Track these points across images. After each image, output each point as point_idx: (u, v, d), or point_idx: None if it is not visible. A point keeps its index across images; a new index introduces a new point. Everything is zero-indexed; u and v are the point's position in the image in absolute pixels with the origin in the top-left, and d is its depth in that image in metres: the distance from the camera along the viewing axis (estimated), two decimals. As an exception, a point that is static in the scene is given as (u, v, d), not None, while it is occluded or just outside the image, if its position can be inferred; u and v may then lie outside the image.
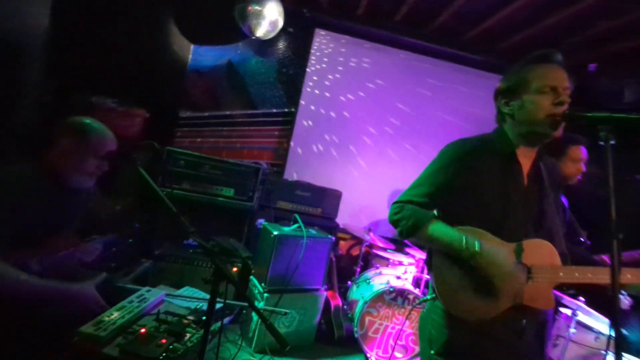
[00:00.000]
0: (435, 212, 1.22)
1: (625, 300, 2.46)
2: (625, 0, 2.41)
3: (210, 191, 2.84)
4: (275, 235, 2.25)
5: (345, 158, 3.86)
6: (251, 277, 2.45)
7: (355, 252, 3.83)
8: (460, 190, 1.14)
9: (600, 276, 1.06)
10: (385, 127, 3.88)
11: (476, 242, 1.05)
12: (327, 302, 2.59)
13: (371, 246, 3.24)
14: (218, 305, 1.13)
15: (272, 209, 3.01)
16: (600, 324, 2.42)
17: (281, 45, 3.81)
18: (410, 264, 2.94)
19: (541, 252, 1.09)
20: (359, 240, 3.70)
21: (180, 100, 3.63)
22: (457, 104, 3.84)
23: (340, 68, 3.84)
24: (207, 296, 1.12)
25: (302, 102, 3.82)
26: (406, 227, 1.15)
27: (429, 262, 1.22)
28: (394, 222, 1.21)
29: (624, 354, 2.24)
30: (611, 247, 0.87)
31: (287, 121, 3.84)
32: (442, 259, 1.15)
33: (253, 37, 3.40)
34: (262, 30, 3.33)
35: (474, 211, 1.13)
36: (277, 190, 3.14)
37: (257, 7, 3.21)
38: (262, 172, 2.97)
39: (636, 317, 2.52)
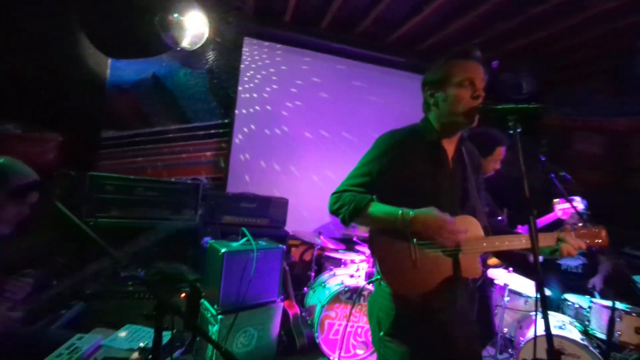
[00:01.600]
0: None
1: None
2: (517, 5, 2.78)
3: (147, 215, 2.63)
4: (223, 253, 2.15)
5: (287, 164, 3.86)
6: (202, 300, 2.31)
7: (308, 257, 3.85)
8: (393, 178, 1.21)
9: (515, 243, 1.20)
10: (322, 130, 3.97)
11: (410, 211, 1.12)
12: (285, 313, 2.55)
13: (323, 249, 3.28)
14: (166, 338, 1.05)
15: (218, 225, 2.88)
16: (527, 288, 2.74)
17: (210, 55, 3.69)
18: (362, 261, 3.03)
19: (468, 225, 1.19)
20: (310, 245, 3.72)
21: (101, 119, 3.31)
22: (385, 103, 4.08)
23: (273, 75, 3.84)
24: (152, 331, 1.03)
25: (237, 111, 3.74)
26: (348, 212, 1.20)
27: (371, 244, 1.27)
28: (335, 211, 1.25)
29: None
30: (527, 220, 0.99)
31: (224, 133, 3.73)
32: (382, 240, 1.20)
33: (178, 48, 3.24)
34: (187, 41, 3.19)
35: (408, 196, 1.20)
36: (221, 205, 3.02)
37: (178, 17, 3.07)
38: (202, 188, 2.84)
39: (552, 278, 2.90)
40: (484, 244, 1.20)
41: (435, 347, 1.17)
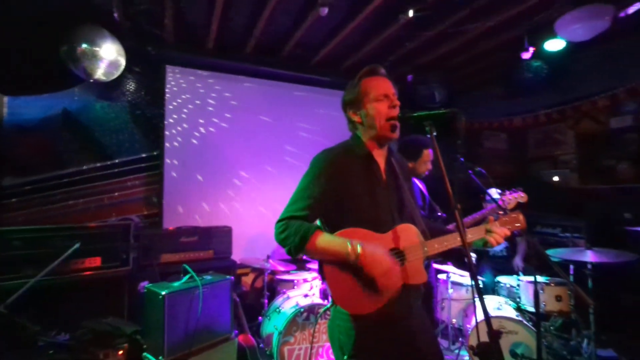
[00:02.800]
0: (318, 222, 1.29)
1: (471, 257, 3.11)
2: (418, 27, 3.12)
3: (69, 267, 2.31)
4: (164, 296, 1.97)
5: (227, 191, 3.74)
6: (144, 354, 2.08)
7: (259, 284, 3.71)
8: (334, 196, 1.24)
9: (451, 242, 1.30)
10: (260, 153, 3.93)
11: (358, 245, 1.14)
12: (240, 348, 2.41)
13: (274, 273, 3.19)
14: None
15: (155, 266, 2.65)
16: (467, 278, 2.98)
17: (130, 85, 3.47)
18: (314, 278, 3.02)
19: (408, 234, 1.26)
20: (260, 271, 3.60)
21: (-3, 166, 2.87)
22: (318, 122, 4.22)
23: (202, 102, 3.74)
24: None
25: (167, 143, 3.54)
26: (294, 245, 1.18)
27: (321, 271, 1.28)
28: (282, 241, 1.22)
29: (484, 297, 2.80)
30: (454, 216, 1.08)
31: (154, 166, 3.49)
32: (331, 266, 1.21)
33: (92, 80, 2.99)
34: (101, 72, 2.96)
35: (350, 212, 1.23)
36: (157, 243, 2.79)
37: (89, 47, 2.85)
38: (133, 228, 2.59)
39: (484, 265, 3.20)
40: (426, 249, 1.27)
41: (399, 355, 1.20)
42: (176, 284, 2.11)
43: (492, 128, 4.61)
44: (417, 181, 2.41)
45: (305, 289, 2.86)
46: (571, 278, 2.62)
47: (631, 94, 3.30)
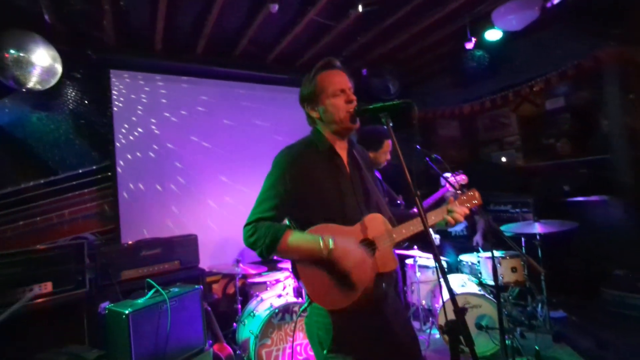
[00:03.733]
0: (286, 221, 1.28)
1: (435, 239, 3.27)
2: (368, 21, 3.19)
3: (15, 297, 2.10)
4: (127, 315, 1.86)
5: (188, 198, 3.59)
6: (111, 378, 1.95)
7: (231, 289, 3.63)
8: (300, 193, 1.23)
9: (417, 226, 1.33)
10: (218, 157, 3.80)
11: (330, 240, 1.14)
12: (216, 357, 2.34)
13: (245, 277, 3.14)
14: None
15: (116, 284, 2.49)
16: (432, 260, 3.12)
17: (71, 93, 3.21)
18: (287, 277, 3.01)
19: (377, 223, 1.29)
20: (231, 277, 3.52)
21: None
22: (278, 120, 4.17)
23: (152, 107, 3.54)
24: None
25: (117, 152, 3.33)
26: (265, 246, 1.16)
27: (294, 270, 1.27)
28: (252, 245, 1.20)
29: (448, 274, 2.96)
30: (415, 202, 1.12)
31: (106, 177, 3.27)
32: (304, 263, 1.21)
33: (24, 90, 2.73)
34: (35, 80, 2.71)
35: (318, 208, 1.24)
36: (116, 260, 2.63)
37: (17, 54, 2.58)
38: (87, 247, 2.41)
39: (446, 245, 3.38)
40: (394, 236, 1.29)
41: (377, 347, 1.22)
42: (140, 300, 2.00)
43: (444, 116, 4.84)
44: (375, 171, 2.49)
45: (279, 289, 2.85)
46: (523, 250, 2.85)
47: (562, 77, 3.63)
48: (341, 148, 1.36)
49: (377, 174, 2.56)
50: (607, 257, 3.23)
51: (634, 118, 3.40)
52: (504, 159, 4.69)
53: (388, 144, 2.38)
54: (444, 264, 3.12)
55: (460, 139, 5.24)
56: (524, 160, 4.61)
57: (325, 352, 1.20)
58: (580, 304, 3.24)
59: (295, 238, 1.18)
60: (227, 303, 3.47)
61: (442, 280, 1.06)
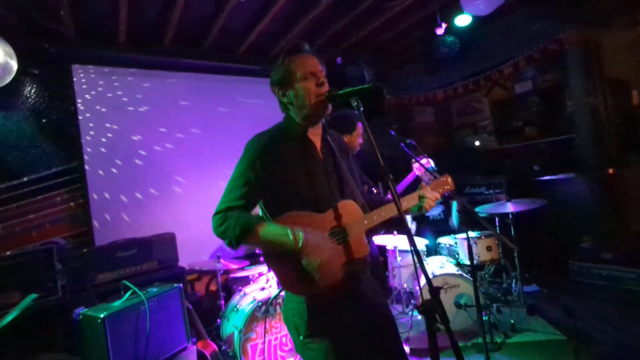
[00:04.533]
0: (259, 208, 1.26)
1: (412, 225, 3.34)
2: (340, 8, 3.16)
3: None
4: (102, 319, 1.79)
5: (163, 194, 3.49)
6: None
7: (214, 286, 3.58)
8: (271, 180, 1.21)
9: (389, 212, 1.33)
10: (192, 152, 3.69)
11: (300, 234, 1.14)
12: (201, 355, 2.32)
13: (227, 272, 3.11)
14: None
15: (91, 288, 2.40)
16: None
17: (30, 91, 3.02)
18: (270, 270, 3.00)
19: (350, 210, 1.28)
20: (213, 273, 3.48)
21: None
22: (252, 112, 4.07)
23: (120, 102, 3.39)
24: None
25: (85, 151, 3.18)
26: (234, 236, 1.14)
27: (266, 259, 1.26)
28: (221, 234, 1.18)
29: (426, 258, 3.03)
30: (387, 186, 1.13)
31: (74, 179, 3.12)
32: (273, 255, 1.20)
33: (-26, 89, 2.54)
34: (-14, 78, 2.52)
35: (289, 195, 1.22)
36: (91, 263, 2.53)
37: (-37, 50, 2.40)
38: (56, 252, 2.31)
39: (424, 229, 3.47)
40: (365, 222, 1.29)
41: (353, 330, 1.23)
42: (116, 303, 1.93)
43: (420, 103, 4.91)
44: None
45: (262, 282, 2.83)
46: (497, 229, 2.96)
47: (529, 60, 3.73)
48: (314, 134, 1.34)
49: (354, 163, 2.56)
50: (574, 231, 3.41)
51: (596, 98, 3.56)
52: (477, 143, 4.83)
53: (361, 126, 2.38)
54: (424, 248, 3.19)
55: (436, 125, 5.34)
56: (497, 143, 4.76)
57: (301, 337, 1.21)
58: (551, 277, 3.42)
59: (265, 231, 1.16)
60: (210, 300, 3.43)
61: (417, 262, 1.07)
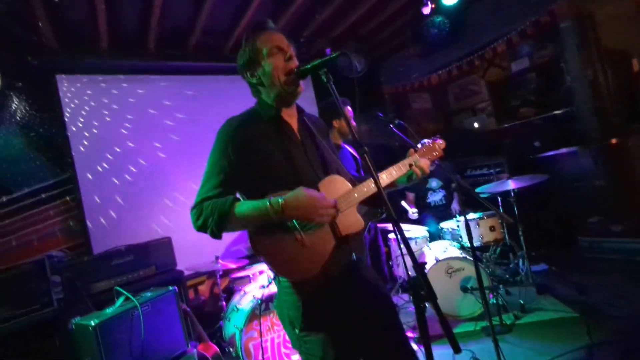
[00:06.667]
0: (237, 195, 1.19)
1: (413, 215, 3.25)
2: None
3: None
4: (94, 327, 1.75)
5: (157, 201, 3.44)
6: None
7: (217, 289, 3.53)
8: (246, 165, 1.15)
9: (380, 182, 1.26)
10: (186, 154, 3.61)
11: (278, 198, 1.06)
12: (202, 358, 2.27)
13: (228, 273, 3.06)
14: None
15: (88, 298, 2.36)
16: (413, 232, 3.11)
17: (15, 105, 2.99)
18: (262, 259, 2.94)
19: (336, 185, 1.21)
20: (215, 275, 3.43)
21: None
22: (241, 110, 4.01)
23: (109, 110, 3.34)
24: None
25: (77, 162, 3.14)
26: (214, 224, 1.09)
27: (254, 246, 1.17)
28: (200, 227, 1.13)
29: (430, 242, 2.94)
30: (364, 159, 1.06)
31: (67, 190, 3.09)
32: (262, 236, 1.12)
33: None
34: (-31, 94, 2.50)
35: (267, 179, 1.15)
36: (86, 273, 2.49)
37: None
38: (50, 264, 2.27)
39: (427, 215, 3.38)
40: (355, 195, 1.21)
41: (350, 320, 1.16)
42: (109, 310, 1.89)
43: (415, 89, 4.81)
44: (347, 146, 2.40)
45: (262, 280, 2.77)
46: (500, 209, 2.86)
47: (522, 36, 3.62)
48: (289, 115, 1.27)
49: (352, 149, 2.46)
50: (580, 205, 3.30)
51: (595, 69, 3.44)
52: (476, 125, 4.72)
53: (347, 109, 2.31)
54: (426, 234, 3.11)
55: (432, 110, 5.23)
56: (496, 123, 4.64)
57: (297, 331, 1.14)
58: (559, 254, 3.31)
59: (242, 207, 1.10)
60: (212, 302, 3.39)
61: (400, 239, 1.01)
